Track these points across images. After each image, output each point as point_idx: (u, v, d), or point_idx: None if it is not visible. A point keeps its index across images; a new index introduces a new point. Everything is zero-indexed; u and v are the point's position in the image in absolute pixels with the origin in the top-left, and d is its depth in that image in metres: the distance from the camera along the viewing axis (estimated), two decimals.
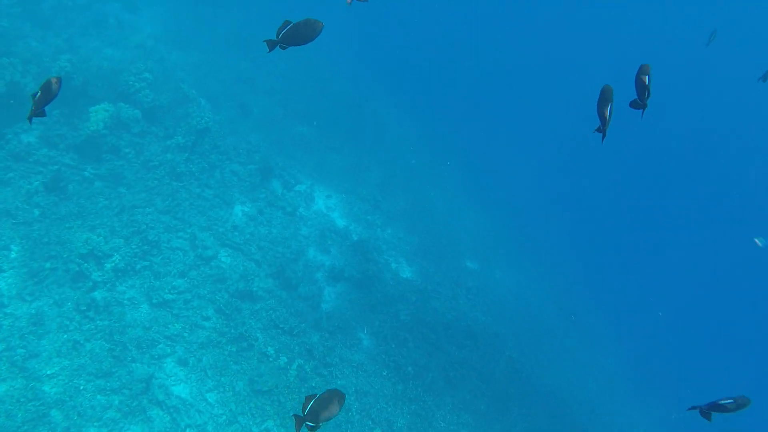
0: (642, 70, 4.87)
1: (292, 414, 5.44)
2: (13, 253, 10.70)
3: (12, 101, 12.41)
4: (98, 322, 10.43)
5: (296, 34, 5.16)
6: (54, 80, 5.35)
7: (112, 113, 13.38)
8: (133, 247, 11.63)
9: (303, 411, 4.54)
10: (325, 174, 18.05)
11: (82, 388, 9.54)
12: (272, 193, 15.60)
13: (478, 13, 47.62)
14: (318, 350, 12.30)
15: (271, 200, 15.34)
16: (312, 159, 18.31)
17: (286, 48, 5.21)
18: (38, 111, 5.29)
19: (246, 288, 12.44)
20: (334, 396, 4.65)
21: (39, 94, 5.23)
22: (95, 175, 12.89)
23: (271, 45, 5.16)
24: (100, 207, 12.30)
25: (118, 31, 18.72)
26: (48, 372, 9.48)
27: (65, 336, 10.00)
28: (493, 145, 32.40)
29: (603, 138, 4.73)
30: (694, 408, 5.19)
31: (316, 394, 4.65)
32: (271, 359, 11.59)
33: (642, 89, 4.86)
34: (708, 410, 5.07)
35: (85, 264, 10.94)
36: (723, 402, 5.05)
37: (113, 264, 11.13)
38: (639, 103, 4.93)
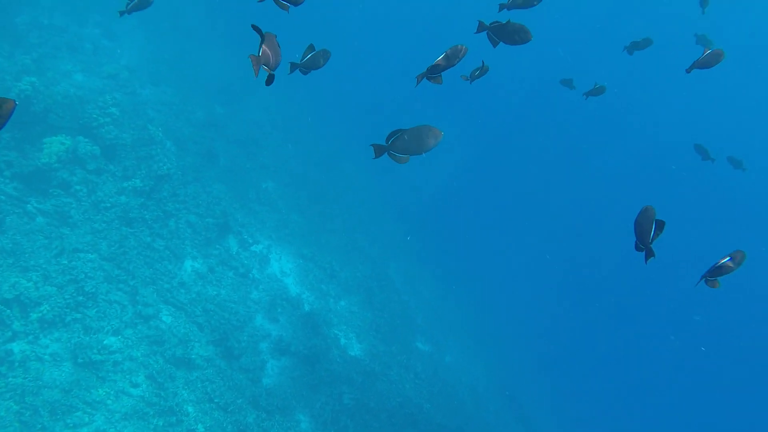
0: (646, 215, 4.56)
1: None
2: None
3: None
4: (11, 379, 9.32)
5: (411, 143, 4.60)
6: (7, 104, 4.75)
7: (68, 147, 12.55)
8: (67, 297, 10.64)
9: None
10: (286, 236, 17.39)
11: None
12: (227, 250, 14.82)
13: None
14: (252, 431, 11.35)
15: (224, 258, 14.55)
16: (274, 218, 17.66)
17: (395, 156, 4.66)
18: None
19: (184, 354, 11.50)
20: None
21: None
22: (38, 210, 11.94)
23: (379, 150, 4.64)
24: (37, 246, 11.31)
25: (93, 57, 18.04)
26: None
27: None
28: (459, 217, 32.39)
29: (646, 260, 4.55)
30: (700, 280, 4.90)
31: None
32: None
33: (644, 235, 4.54)
34: (712, 276, 4.80)
35: (8, 311, 9.90)
36: (723, 263, 4.78)
37: (40, 314, 10.10)
38: (642, 247, 4.62)
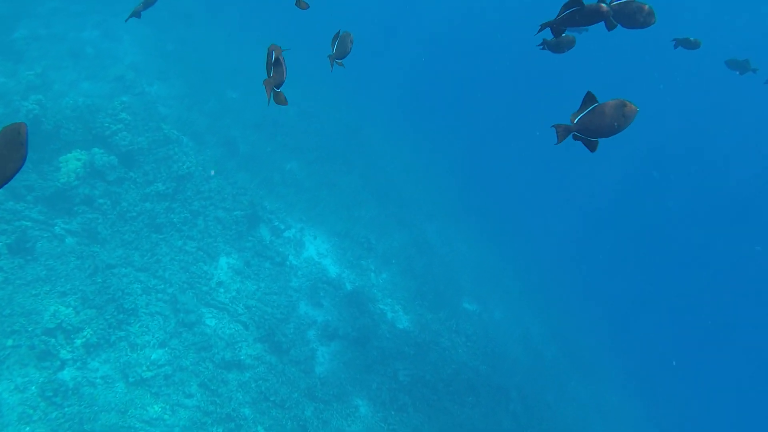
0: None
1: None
2: None
3: None
4: (66, 408, 9.31)
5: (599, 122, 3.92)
6: (21, 129, 4.42)
7: (84, 162, 12.29)
8: (107, 317, 10.52)
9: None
10: (317, 215, 17.03)
11: None
12: (260, 241, 14.54)
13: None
14: (312, 424, 11.25)
15: (258, 250, 14.29)
16: (302, 198, 17.28)
17: None
18: None
19: (233, 356, 11.37)
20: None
21: None
22: (66, 231, 11.79)
23: (563, 133, 4.00)
24: (71, 268, 11.19)
25: (97, 62, 17.64)
26: None
27: (27, 429, 8.86)
28: (495, 169, 31.61)
29: None
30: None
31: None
32: None
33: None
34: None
35: (53, 340, 9.83)
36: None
37: (84, 339, 10.02)
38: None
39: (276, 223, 15.47)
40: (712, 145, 42.71)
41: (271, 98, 3.94)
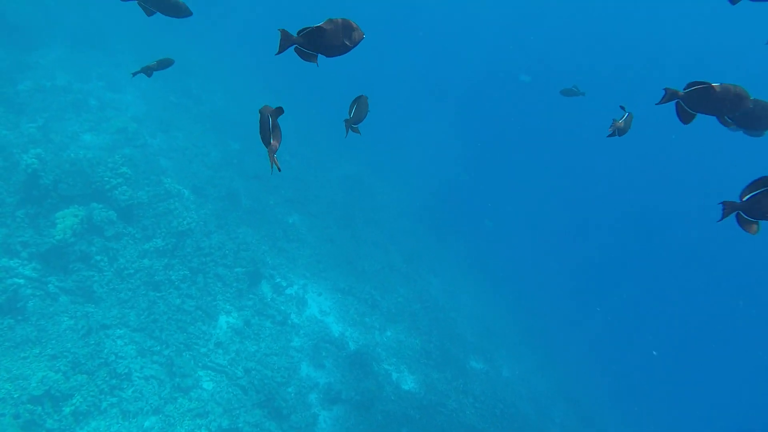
0: None
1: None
2: None
3: None
4: None
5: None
6: None
7: (82, 218, 11.93)
8: (99, 382, 9.98)
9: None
10: (320, 271, 16.61)
11: None
12: (261, 299, 14.07)
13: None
14: None
15: (259, 308, 13.81)
16: (305, 254, 16.88)
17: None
18: None
19: (230, 424, 10.76)
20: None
21: None
22: (60, 289, 11.34)
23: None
24: (63, 329, 10.70)
25: (99, 113, 17.51)
26: None
27: None
28: (497, 220, 31.32)
29: None
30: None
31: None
32: None
33: None
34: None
35: (39, 408, 9.26)
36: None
37: (73, 407, 9.45)
38: None
39: (278, 280, 15.03)
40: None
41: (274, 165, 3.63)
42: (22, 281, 11.02)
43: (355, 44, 3.78)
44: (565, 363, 23.27)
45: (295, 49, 3.63)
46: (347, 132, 5.24)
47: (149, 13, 5.22)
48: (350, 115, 5.14)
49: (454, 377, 16.21)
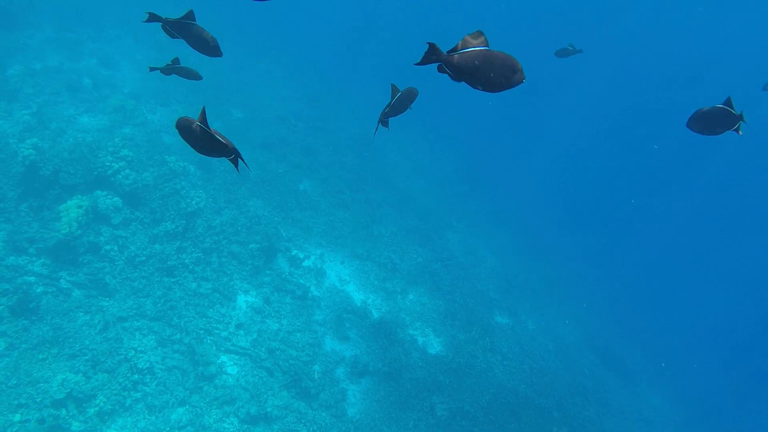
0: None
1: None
2: None
3: None
4: None
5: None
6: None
7: (86, 208, 11.50)
8: (121, 380, 9.73)
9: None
10: (335, 238, 16.18)
11: None
12: (278, 274, 13.71)
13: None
14: None
15: (277, 284, 13.46)
16: (319, 222, 16.43)
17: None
18: None
19: (258, 409, 10.54)
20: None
21: None
22: (73, 284, 11.02)
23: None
24: (79, 325, 10.42)
25: (95, 93, 16.88)
26: None
27: None
28: (513, 168, 30.63)
29: None
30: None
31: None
32: None
33: None
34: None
35: (63, 411, 9.05)
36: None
37: (97, 407, 9.23)
38: None
39: (294, 252, 14.64)
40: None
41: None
42: (32, 279, 10.70)
43: (511, 87, 3.18)
44: (590, 311, 22.96)
45: (438, 68, 3.24)
46: (376, 130, 4.98)
47: (172, 36, 4.62)
48: (390, 105, 4.81)
49: (481, 336, 15.92)
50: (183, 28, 4.35)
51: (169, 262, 12.13)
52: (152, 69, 5.80)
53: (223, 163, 16.36)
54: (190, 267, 12.39)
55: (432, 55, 3.12)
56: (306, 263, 14.61)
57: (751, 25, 39.33)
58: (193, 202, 13.03)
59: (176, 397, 10.12)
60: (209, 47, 4.40)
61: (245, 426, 10.29)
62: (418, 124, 30.06)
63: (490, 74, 3.04)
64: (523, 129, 38.43)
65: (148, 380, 10.06)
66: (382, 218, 18.58)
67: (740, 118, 4.40)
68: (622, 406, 18.49)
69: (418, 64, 3.18)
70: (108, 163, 12.67)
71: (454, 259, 19.10)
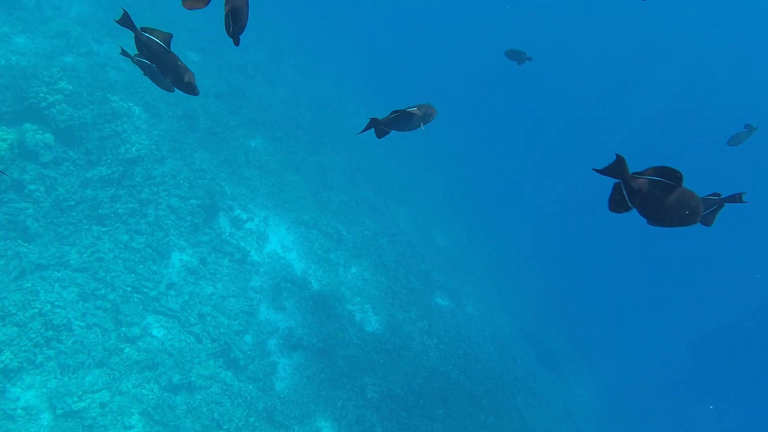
0: None
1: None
2: None
3: None
4: None
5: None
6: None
7: (11, 142, 10.46)
8: (32, 335, 8.97)
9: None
10: (282, 201, 15.51)
11: None
12: (218, 234, 13.01)
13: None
14: None
15: (216, 244, 12.78)
16: (267, 182, 15.70)
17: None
18: None
19: (182, 378, 9.99)
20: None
21: None
22: None
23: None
24: None
25: (36, 13, 15.41)
26: None
27: None
28: (472, 145, 30.37)
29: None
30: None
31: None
32: None
33: None
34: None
35: None
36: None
37: (2, 365, 8.48)
38: None
39: (237, 212, 13.93)
40: None
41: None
42: None
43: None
44: (529, 302, 23.22)
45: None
46: (365, 129, 4.55)
47: (145, 71, 4.11)
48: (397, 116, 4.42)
49: (420, 317, 15.75)
50: (155, 56, 3.67)
51: (100, 210, 11.26)
52: (123, 53, 4.77)
53: (172, 109, 15.34)
54: (124, 218, 11.55)
55: (617, 169, 2.90)
56: (248, 225, 13.94)
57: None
58: (134, 149, 12.11)
59: (93, 357, 9.43)
60: (182, 80, 3.70)
61: (166, 394, 9.74)
62: (385, 91, 29.35)
63: (671, 213, 2.86)
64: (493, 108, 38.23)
65: (63, 337, 9.32)
66: (334, 185, 17.99)
67: None
68: (549, 398, 18.83)
69: (598, 171, 2.97)
70: (42, 95, 11.56)
71: (402, 235, 18.77)
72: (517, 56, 9.64)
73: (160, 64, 3.61)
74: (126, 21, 3.61)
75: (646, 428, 22.69)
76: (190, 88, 3.64)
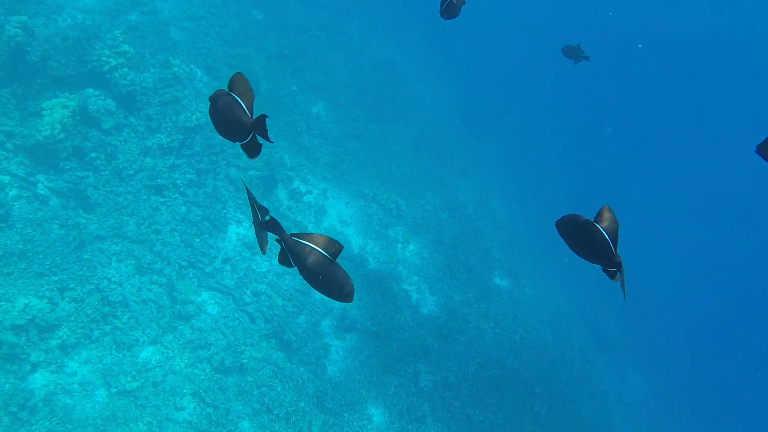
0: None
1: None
2: None
3: None
4: (35, 426, 7.90)
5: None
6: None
7: (73, 109, 10.27)
8: (89, 311, 8.92)
9: None
10: (342, 172, 15.04)
11: None
12: (276, 207, 12.72)
13: None
14: None
15: (274, 218, 12.46)
16: (327, 151, 15.23)
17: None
18: None
19: (234, 359, 9.85)
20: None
21: None
22: (51, 191, 10.00)
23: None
24: (52, 239, 9.50)
25: None
26: None
27: None
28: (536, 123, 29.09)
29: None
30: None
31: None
32: None
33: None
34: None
35: (23, 337, 8.29)
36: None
37: (60, 340, 8.47)
38: None
39: (296, 184, 13.56)
40: None
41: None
42: (6, 179, 9.66)
43: None
44: (588, 282, 22.28)
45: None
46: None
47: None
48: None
49: (477, 299, 15.20)
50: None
51: (159, 180, 11.07)
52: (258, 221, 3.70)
53: (233, 70, 14.90)
54: (182, 188, 11.34)
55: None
56: (307, 198, 13.57)
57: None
58: (194, 117, 11.79)
59: (148, 335, 9.37)
60: (342, 296, 2.88)
61: (218, 375, 9.64)
62: (445, 53, 28.18)
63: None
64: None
65: (119, 313, 9.26)
66: (395, 155, 17.37)
67: None
68: (605, 386, 18.17)
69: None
70: (105, 58, 11.31)
71: (462, 209, 18.08)
72: (574, 54, 8.94)
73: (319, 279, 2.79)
74: (273, 227, 2.96)
75: (703, 421, 21.82)
76: (349, 299, 2.81)
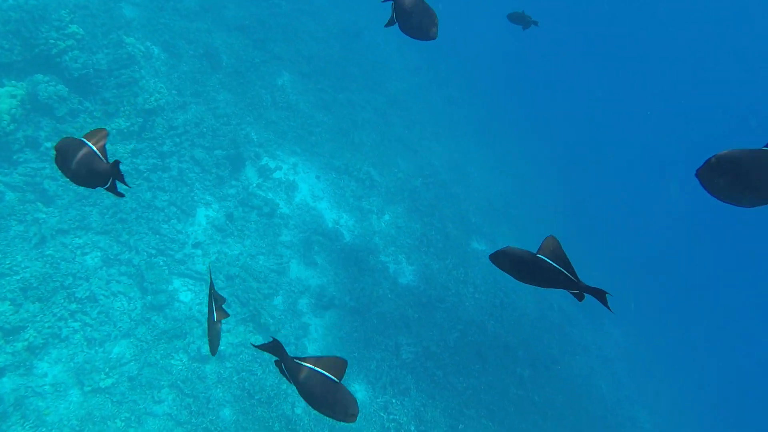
0: None
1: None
2: None
3: None
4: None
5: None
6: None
7: (22, 98, 9.77)
8: (56, 310, 8.64)
9: None
10: (311, 145, 14.70)
11: None
12: (245, 186, 12.39)
13: None
14: (302, 424, 9.83)
15: (243, 198, 12.17)
16: (295, 124, 14.84)
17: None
18: None
19: None
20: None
21: None
22: (6, 185, 9.58)
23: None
24: (11, 236, 9.14)
25: None
26: None
27: None
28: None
29: None
30: None
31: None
32: None
33: None
34: None
35: None
36: None
37: (27, 342, 8.20)
38: None
39: (264, 161, 13.23)
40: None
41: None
42: None
43: None
44: (566, 240, 22.37)
45: None
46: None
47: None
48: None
49: (455, 266, 15.15)
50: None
51: (121, 166, 10.64)
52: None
53: (192, 47, 14.37)
54: (145, 174, 10.98)
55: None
56: (277, 174, 13.26)
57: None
58: (153, 98, 11.31)
59: (120, 329, 9.13)
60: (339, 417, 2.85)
61: (195, 364, 9.47)
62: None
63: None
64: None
65: (88, 309, 8.99)
66: (365, 123, 17.03)
67: None
68: (585, 342, 18.42)
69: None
70: (53, 41, 10.74)
71: (436, 175, 17.90)
72: (521, 20, 8.67)
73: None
74: (273, 349, 2.86)
75: (682, 375, 22.34)
76: (352, 419, 2.79)
